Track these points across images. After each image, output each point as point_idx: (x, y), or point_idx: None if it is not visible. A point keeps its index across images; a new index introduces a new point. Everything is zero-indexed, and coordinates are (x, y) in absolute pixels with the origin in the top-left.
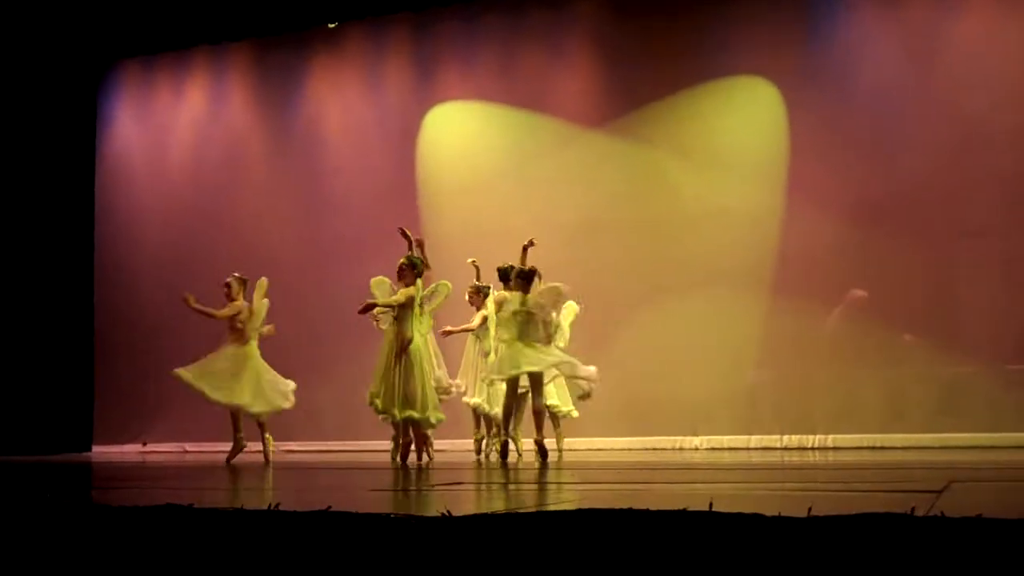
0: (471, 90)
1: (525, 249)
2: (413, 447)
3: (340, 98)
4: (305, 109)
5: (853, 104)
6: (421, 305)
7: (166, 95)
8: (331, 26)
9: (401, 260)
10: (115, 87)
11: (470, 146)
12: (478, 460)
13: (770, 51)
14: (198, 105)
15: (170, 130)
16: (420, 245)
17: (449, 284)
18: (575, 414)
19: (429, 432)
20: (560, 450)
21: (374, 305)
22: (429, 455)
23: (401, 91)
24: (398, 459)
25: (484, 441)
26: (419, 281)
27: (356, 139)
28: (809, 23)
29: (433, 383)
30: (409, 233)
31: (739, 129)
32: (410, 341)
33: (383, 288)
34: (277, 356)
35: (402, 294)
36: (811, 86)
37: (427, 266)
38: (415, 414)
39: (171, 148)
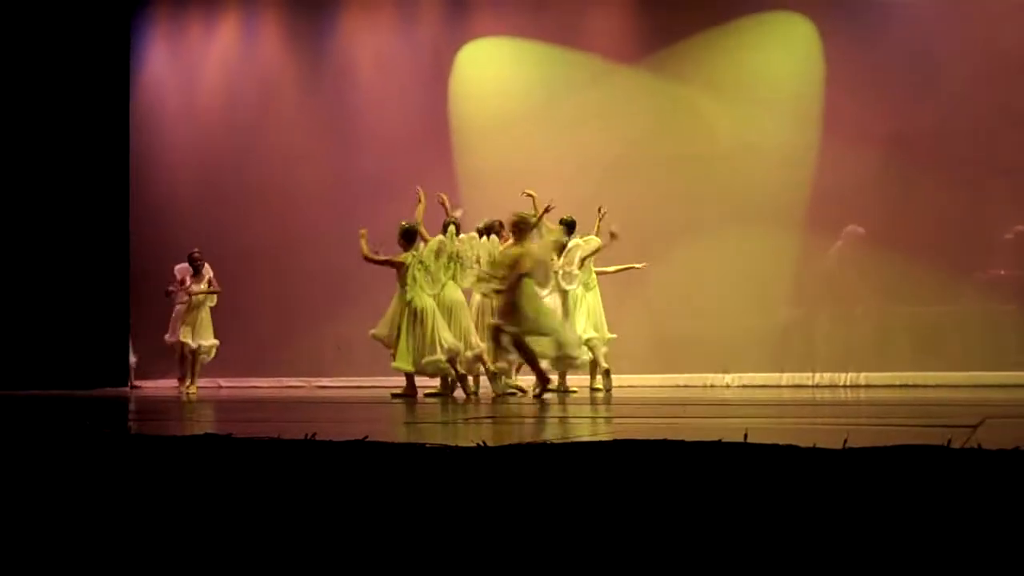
0: (504, 26)
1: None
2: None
3: (373, 35)
4: (337, 46)
5: (889, 40)
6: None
7: (197, 31)
8: None
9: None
10: (147, 24)
11: (503, 83)
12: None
13: None
14: (230, 41)
15: (202, 67)
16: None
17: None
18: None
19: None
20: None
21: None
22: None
23: (434, 27)
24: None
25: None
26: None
27: (389, 76)
28: None
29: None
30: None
31: (773, 65)
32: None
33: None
34: (309, 292)
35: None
36: (846, 21)
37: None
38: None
39: (203, 85)
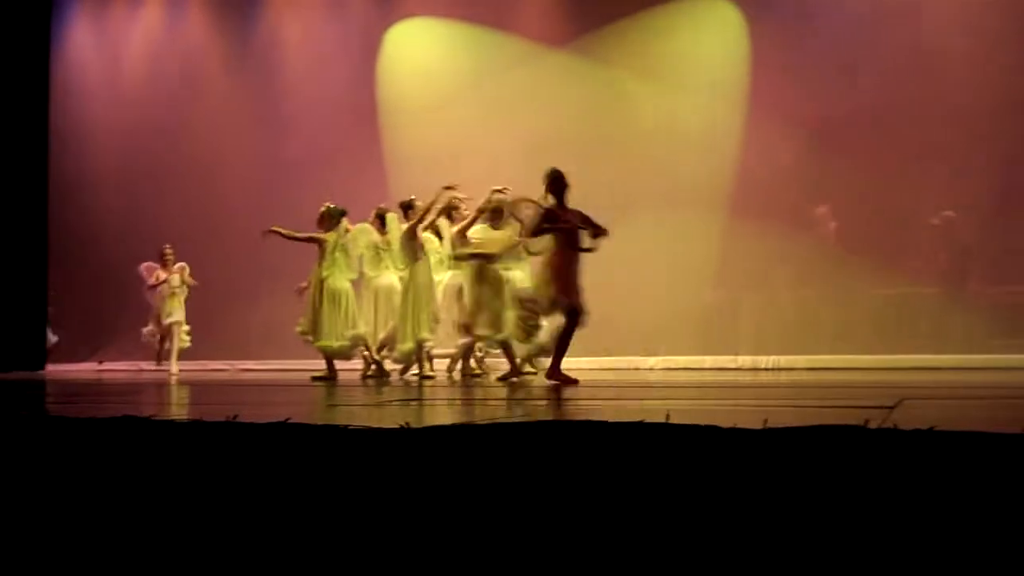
0: (433, 7)
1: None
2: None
3: (300, 13)
4: (264, 24)
5: (813, 25)
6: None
7: (122, 8)
8: None
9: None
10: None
11: (431, 64)
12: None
13: None
14: (154, 18)
15: (126, 44)
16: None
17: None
18: None
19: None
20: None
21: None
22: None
23: (362, 7)
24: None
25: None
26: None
27: (316, 56)
28: None
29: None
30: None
31: (700, 49)
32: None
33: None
34: (237, 274)
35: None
36: (772, 7)
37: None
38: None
39: (127, 62)
